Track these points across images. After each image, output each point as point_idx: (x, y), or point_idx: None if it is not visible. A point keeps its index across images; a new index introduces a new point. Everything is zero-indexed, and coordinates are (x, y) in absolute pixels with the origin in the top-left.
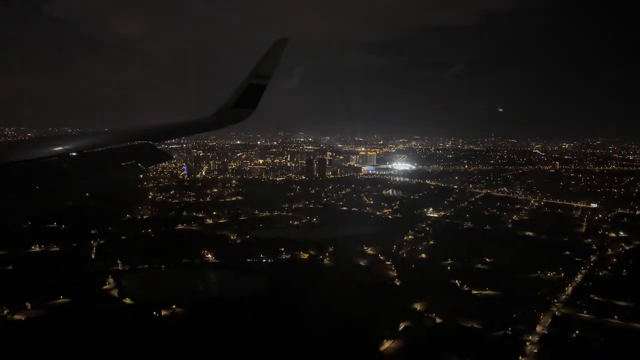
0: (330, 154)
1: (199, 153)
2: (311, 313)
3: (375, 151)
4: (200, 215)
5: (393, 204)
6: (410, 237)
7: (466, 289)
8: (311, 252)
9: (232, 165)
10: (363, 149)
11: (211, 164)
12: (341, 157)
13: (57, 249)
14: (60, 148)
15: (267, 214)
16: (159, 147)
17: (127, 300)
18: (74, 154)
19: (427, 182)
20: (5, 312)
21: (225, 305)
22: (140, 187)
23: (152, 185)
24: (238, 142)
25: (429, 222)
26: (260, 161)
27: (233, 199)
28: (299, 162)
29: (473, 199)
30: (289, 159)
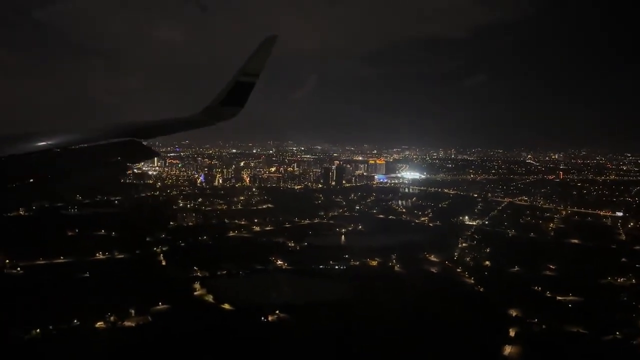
0: (338, 162)
1: (210, 162)
2: (418, 319)
3: (384, 160)
4: (243, 222)
5: (426, 212)
6: (464, 244)
7: (549, 295)
8: (377, 259)
9: (244, 174)
10: (371, 158)
11: (224, 172)
12: (349, 166)
13: (123, 256)
14: (44, 143)
15: (308, 221)
16: (145, 144)
17: (227, 306)
18: (58, 149)
19: (445, 190)
20: (112, 318)
21: (326, 310)
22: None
23: (176, 192)
24: (234, 150)
25: (472, 230)
26: (272, 169)
27: (264, 206)
28: (313, 170)
29: (500, 208)
30: (296, 168)
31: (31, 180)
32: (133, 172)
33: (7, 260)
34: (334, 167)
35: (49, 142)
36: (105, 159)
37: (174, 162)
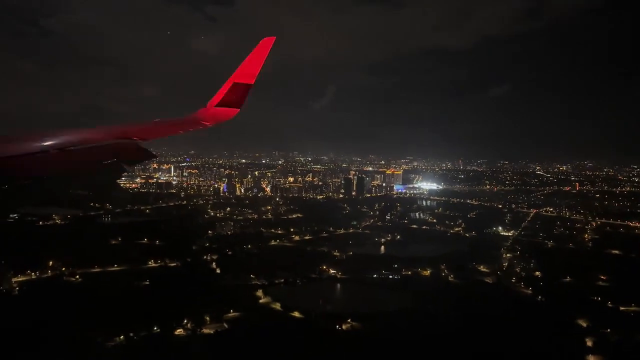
0: (353, 173)
1: (230, 172)
2: (494, 329)
3: (401, 171)
4: (279, 232)
5: (457, 222)
6: (507, 255)
7: (611, 305)
8: (427, 269)
9: (263, 183)
10: (382, 168)
11: (244, 182)
12: (366, 177)
13: (175, 264)
14: (41, 144)
15: (344, 231)
16: (142, 146)
17: (296, 314)
18: (55, 150)
19: (467, 201)
20: (189, 325)
21: (398, 319)
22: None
23: (202, 202)
24: (243, 160)
25: (509, 240)
26: (291, 179)
27: (294, 216)
28: (332, 180)
29: (529, 219)
30: (315, 178)
31: (28, 181)
32: (156, 181)
33: (64, 268)
34: (354, 177)
35: (46, 143)
36: (102, 161)
37: (193, 171)
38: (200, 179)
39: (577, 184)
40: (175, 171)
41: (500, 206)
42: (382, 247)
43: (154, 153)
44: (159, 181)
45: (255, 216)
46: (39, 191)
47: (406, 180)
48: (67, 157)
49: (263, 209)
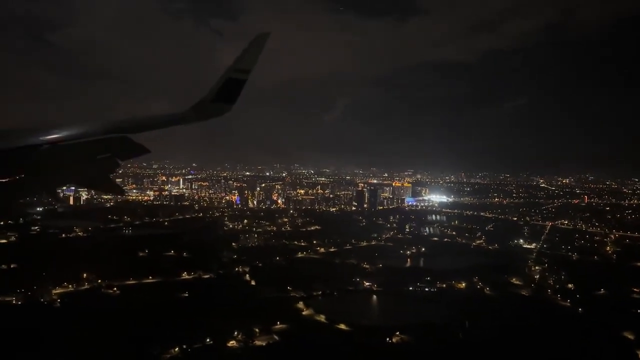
0: (362, 185)
1: (240, 184)
2: (545, 341)
3: (410, 184)
4: (303, 244)
5: (477, 235)
6: (536, 267)
7: None
8: (461, 282)
9: (274, 196)
10: (393, 181)
11: (255, 194)
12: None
13: (208, 276)
14: (34, 139)
15: (366, 243)
16: (136, 140)
17: (343, 327)
18: (47, 145)
19: (481, 214)
20: (240, 337)
21: (443, 332)
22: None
23: (218, 214)
24: (247, 173)
25: (534, 253)
26: (301, 191)
27: (312, 228)
28: (343, 193)
29: (546, 231)
30: (325, 190)
31: (20, 175)
32: (169, 193)
33: (99, 280)
34: (366, 190)
35: (39, 138)
36: (95, 155)
37: (203, 184)
38: (211, 191)
39: (586, 197)
40: (184, 184)
41: (515, 219)
42: (409, 259)
43: (148, 148)
44: (172, 193)
45: (274, 228)
46: (31, 186)
47: (414, 193)
48: (59, 152)
49: (280, 221)
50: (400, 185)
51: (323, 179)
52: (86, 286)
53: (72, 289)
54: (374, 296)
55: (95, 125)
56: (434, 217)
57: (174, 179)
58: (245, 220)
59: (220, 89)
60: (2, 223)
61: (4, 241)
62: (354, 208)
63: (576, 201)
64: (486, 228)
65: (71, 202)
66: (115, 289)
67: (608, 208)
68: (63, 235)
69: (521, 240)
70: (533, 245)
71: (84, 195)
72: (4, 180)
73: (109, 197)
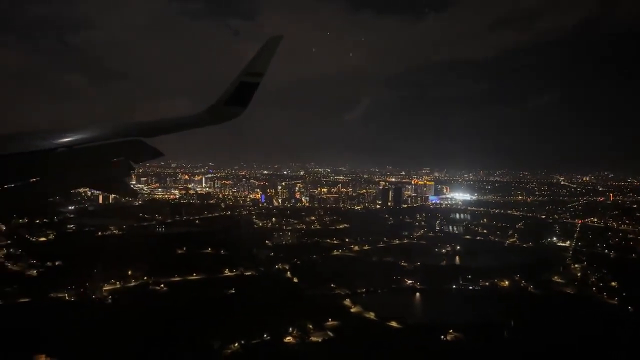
0: (384, 184)
1: (262, 182)
2: (609, 342)
3: (432, 182)
4: (335, 242)
5: (508, 233)
6: (575, 265)
7: None
8: (503, 280)
9: (297, 194)
10: (411, 179)
11: (279, 193)
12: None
13: (250, 273)
14: (49, 142)
15: (399, 241)
16: (149, 144)
17: (394, 324)
18: (61, 148)
19: (508, 212)
20: (295, 332)
21: (496, 330)
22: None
23: (245, 212)
24: (265, 172)
25: (570, 251)
26: (324, 190)
27: (340, 226)
28: (368, 191)
29: (577, 229)
30: (347, 189)
31: (33, 179)
32: (196, 192)
33: (145, 277)
34: (390, 188)
35: (52, 141)
36: (109, 159)
37: (227, 182)
38: (234, 189)
39: (611, 194)
40: (206, 182)
41: (543, 217)
42: (445, 257)
43: (162, 152)
44: (198, 192)
45: (304, 226)
46: (46, 189)
47: (435, 191)
48: (74, 155)
49: (307, 219)
50: (423, 183)
51: (341, 177)
52: (133, 283)
53: (119, 286)
54: (418, 294)
55: (109, 128)
56: (460, 215)
57: (196, 178)
58: (273, 219)
59: (233, 93)
60: (37, 221)
61: (43, 239)
62: (378, 206)
63: (601, 199)
64: (516, 226)
65: (100, 200)
66: (162, 285)
67: (635, 205)
68: (99, 233)
69: (554, 238)
70: (567, 244)
71: (112, 194)
72: (20, 184)
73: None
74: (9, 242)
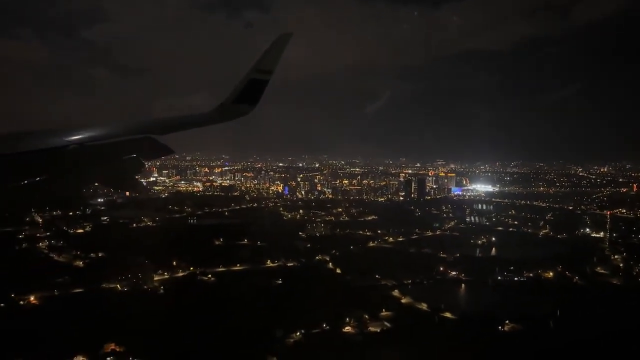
0: (404, 175)
1: (284, 175)
2: None
3: (454, 174)
4: (368, 233)
5: (540, 224)
6: (615, 256)
7: None
8: (547, 271)
9: (318, 186)
10: (427, 171)
11: (301, 185)
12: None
13: (294, 264)
14: (61, 140)
15: (431, 233)
16: (160, 141)
17: (448, 315)
18: (73, 146)
19: (534, 203)
20: (352, 322)
21: (554, 322)
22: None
23: (271, 204)
24: (280, 164)
25: (606, 242)
26: (345, 182)
27: (369, 218)
28: (390, 183)
29: (608, 220)
30: (369, 181)
31: (46, 175)
32: (220, 184)
33: (191, 268)
34: (414, 180)
35: (65, 139)
36: (121, 156)
37: (249, 175)
38: (255, 181)
39: (634, 185)
40: (225, 175)
41: (571, 208)
42: (482, 249)
43: (172, 149)
44: (222, 184)
45: (332, 218)
46: (58, 186)
47: (456, 183)
48: (85, 152)
49: (334, 211)
50: (444, 174)
51: (357, 169)
52: (181, 273)
53: (167, 277)
54: (463, 285)
55: (120, 126)
56: (486, 206)
57: (216, 170)
58: (300, 210)
59: (242, 90)
60: (71, 214)
61: (80, 231)
62: (401, 198)
63: (624, 190)
64: (546, 217)
65: (127, 193)
66: (210, 276)
67: None
68: (133, 225)
69: (587, 229)
70: (601, 235)
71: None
72: (32, 180)
73: (162, 188)
74: (48, 233)
